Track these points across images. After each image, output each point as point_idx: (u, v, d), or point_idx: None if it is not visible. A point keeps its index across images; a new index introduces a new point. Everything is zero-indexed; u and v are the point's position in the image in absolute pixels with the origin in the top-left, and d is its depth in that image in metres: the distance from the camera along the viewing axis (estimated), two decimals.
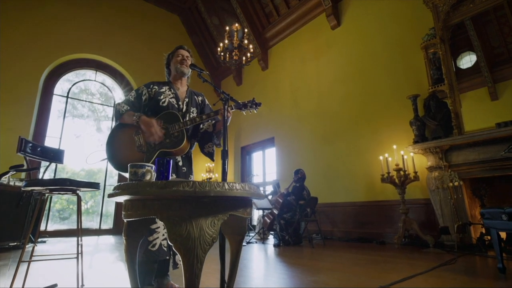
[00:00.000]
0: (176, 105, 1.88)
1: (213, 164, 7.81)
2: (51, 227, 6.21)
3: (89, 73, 7.22)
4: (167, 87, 1.92)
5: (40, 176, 4.67)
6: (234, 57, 5.33)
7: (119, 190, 0.88)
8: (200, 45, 8.64)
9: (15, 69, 5.75)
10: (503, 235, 3.01)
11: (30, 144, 2.04)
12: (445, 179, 3.68)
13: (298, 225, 4.45)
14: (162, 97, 1.86)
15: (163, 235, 1.59)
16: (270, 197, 5.83)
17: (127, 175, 1.66)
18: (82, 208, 8.02)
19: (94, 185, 1.79)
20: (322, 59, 6.01)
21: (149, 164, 1.03)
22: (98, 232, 6.48)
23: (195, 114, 1.94)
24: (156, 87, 1.89)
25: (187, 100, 1.94)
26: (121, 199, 0.95)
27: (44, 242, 4.76)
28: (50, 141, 6.34)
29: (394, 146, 4.20)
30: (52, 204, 6.45)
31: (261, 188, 6.83)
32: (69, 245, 4.43)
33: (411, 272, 2.26)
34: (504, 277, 2.08)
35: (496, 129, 3.35)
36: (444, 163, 3.81)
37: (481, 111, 3.83)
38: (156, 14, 8.07)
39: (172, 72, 1.99)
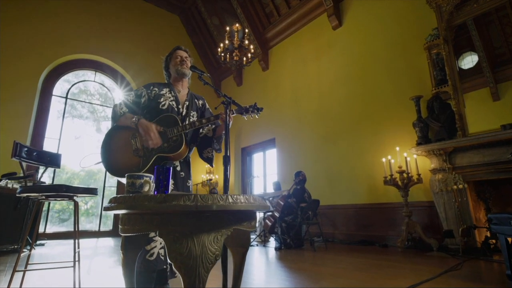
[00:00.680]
0: (176, 108, 1.82)
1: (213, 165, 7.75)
2: (50, 229, 6.15)
3: (88, 74, 7.16)
4: (167, 89, 1.86)
5: (38, 178, 4.62)
6: (235, 58, 5.28)
7: (115, 203, 0.82)
8: (200, 45, 8.59)
9: (13, 69, 5.69)
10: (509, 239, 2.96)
11: (26, 149, 1.99)
12: (449, 181, 3.63)
13: (299, 228, 4.39)
14: (162, 99, 1.80)
15: (161, 243, 1.53)
16: (270, 198, 5.78)
17: (122, 180, 1.61)
18: (82, 209, 7.91)
19: (91, 191, 1.74)
20: (323, 59, 5.95)
21: (147, 175, 0.97)
22: (97, 234, 6.42)
23: (195, 118, 1.88)
24: (156, 89, 1.84)
25: (187, 103, 1.88)
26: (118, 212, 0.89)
27: (43, 245, 4.71)
28: (49, 142, 6.29)
29: (397, 148, 4.14)
30: (51, 205, 6.39)
31: (263, 191, 6.77)
32: (68, 248, 4.37)
33: (416, 278, 2.21)
34: None
35: (501, 131, 3.29)
36: (448, 165, 3.76)
37: (483, 112, 3.78)
38: (156, 14, 8.01)
39: (173, 75, 1.93)
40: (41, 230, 5.63)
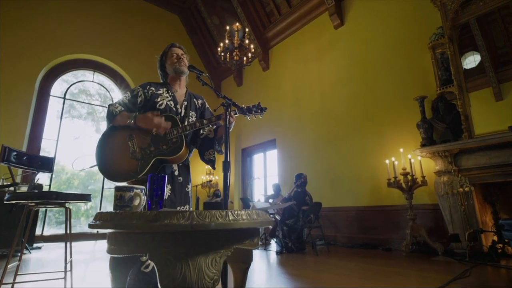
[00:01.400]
0: (174, 108, 1.73)
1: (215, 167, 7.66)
2: (48, 231, 6.07)
3: (87, 74, 7.08)
4: (164, 89, 1.76)
5: (35, 179, 4.53)
6: (235, 57, 5.19)
7: (100, 221, 0.73)
8: (200, 45, 8.50)
9: (10, 70, 5.60)
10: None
11: (15, 153, 1.89)
12: (455, 184, 3.54)
13: (301, 231, 4.30)
14: (159, 99, 1.71)
15: None
16: (271, 200, 5.70)
17: (119, 184, 1.52)
18: (82, 209, 7.78)
19: (84, 197, 1.64)
20: (324, 59, 5.86)
21: (138, 187, 0.88)
22: (96, 236, 6.33)
23: (194, 119, 1.78)
24: (153, 89, 1.74)
25: (185, 103, 1.79)
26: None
27: (39, 248, 4.62)
28: (47, 143, 6.21)
29: (401, 150, 4.05)
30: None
31: (263, 194, 6.67)
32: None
33: (424, 286, 2.12)
34: None
35: (509, 133, 3.21)
36: (453, 168, 3.67)
37: (486, 112, 3.70)
38: (155, 14, 7.92)
39: (170, 74, 1.83)
40: (38, 232, 5.54)
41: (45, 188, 5.54)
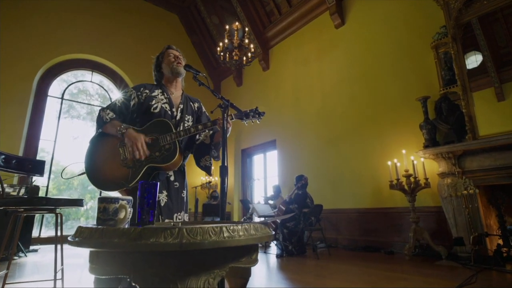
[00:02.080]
0: (169, 112, 1.65)
1: (213, 167, 7.59)
2: (45, 233, 5.99)
3: (86, 74, 7.00)
4: (159, 91, 1.68)
5: (32, 181, 4.45)
6: (235, 57, 5.11)
7: (79, 238, 0.66)
8: (199, 45, 8.42)
9: (7, 69, 5.53)
10: None
11: (3, 156, 1.82)
12: (459, 186, 3.46)
13: (302, 234, 4.23)
14: (153, 102, 1.63)
15: None
16: (271, 202, 5.62)
17: (111, 193, 1.44)
18: (81, 209, 7.73)
19: (76, 203, 1.57)
20: (325, 59, 5.78)
21: (124, 198, 0.80)
22: None
23: (190, 123, 1.71)
24: (148, 91, 1.66)
25: (182, 106, 1.71)
26: None
27: (36, 251, 4.54)
28: (46, 144, 6.14)
29: (403, 151, 3.98)
30: None
31: (263, 196, 6.59)
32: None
33: None
34: None
35: None
36: (457, 169, 3.59)
37: (488, 112, 3.63)
38: (154, 13, 7.85)
39: (166, 74, 1.76)
40: (35, 235, 5.46)
41: (43, 189, 5.46)
